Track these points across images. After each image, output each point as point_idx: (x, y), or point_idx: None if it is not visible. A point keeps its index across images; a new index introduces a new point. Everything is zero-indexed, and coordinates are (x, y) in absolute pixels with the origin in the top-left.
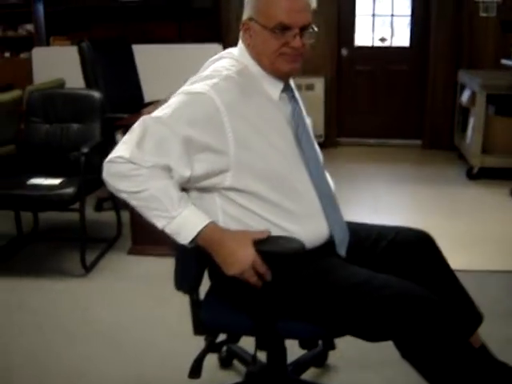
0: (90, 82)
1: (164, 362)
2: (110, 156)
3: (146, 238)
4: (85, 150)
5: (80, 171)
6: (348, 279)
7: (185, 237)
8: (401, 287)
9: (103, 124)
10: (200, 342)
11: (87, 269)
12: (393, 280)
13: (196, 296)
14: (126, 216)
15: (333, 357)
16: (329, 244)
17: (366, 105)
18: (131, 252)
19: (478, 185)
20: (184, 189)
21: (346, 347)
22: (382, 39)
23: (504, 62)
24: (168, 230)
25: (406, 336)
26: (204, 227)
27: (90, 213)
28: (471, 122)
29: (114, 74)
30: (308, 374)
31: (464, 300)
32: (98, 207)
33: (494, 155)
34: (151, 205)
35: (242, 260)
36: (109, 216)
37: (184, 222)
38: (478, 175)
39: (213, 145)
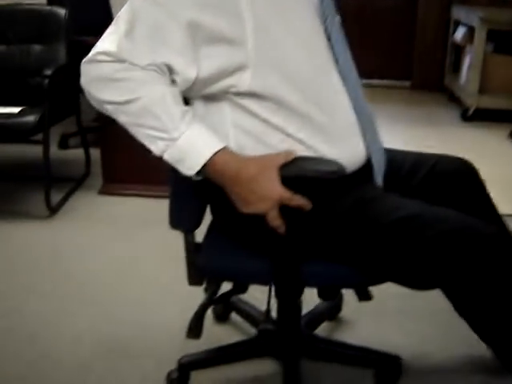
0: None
1: (140, 315)
2: (91, 53)
3: (120, 175)
4: (48, 72)
5: (43, 98)
6: (392, 212)
7: (190, 166)
8: (460, 222)
9: (69, 45)
10: (185, 292)
11: (53, 210)
12: (449, 213)
13: (191, 237)
14: (95, 154)
15: (346, 308)
16: (363, 170)
17: (352, 43)
18: (102, 191)
19: (474, 127)
20: (186, 102)
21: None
22: None
23: None
24: (167, 157)
25: (463, 283)
26: (216, 153)
27: (54, 151)
28: (467, 60)
29: None
30: (318, 329)
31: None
32: (63, 144)
33: (491, 95)
34: (145, 121)
35: (266, 196)
36: (76, 154)
37: (189, 146)
38: (474, 117)
39: (227, 33)
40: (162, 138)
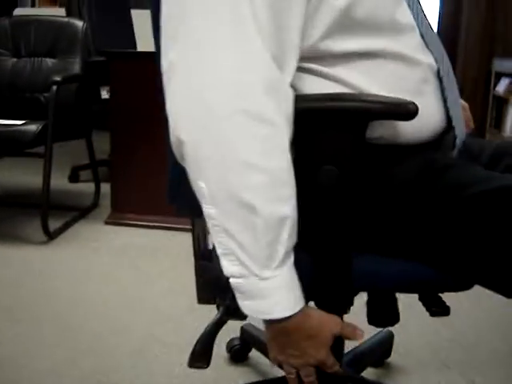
0: (71, 10)
1: (142, 350)
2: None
3: (129, 205)
4: (57, 78)
5: (48, 106)
6: (477, 184)
7: (253, 309)
8: None
9: (85, 60)
10: (194, 326)
11: (50, 235)
12: None
13: (203, 244)
14: (106, 188)
15: (396, 354)
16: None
17: None
18: (109, 221)
19: None
20: None
21: (417, 340)
22: None
23: None
24: (233, 283)
25: None
26: (290, 316)
27: (64, 183)
28: (511, 112)
29: (103, 4)
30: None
31: None
32: (74, 177)
33: None
34: (239, 236)
35: (306, 360)
36: (86, 187)
37: (268, 293)
38: None
39: None
40: (245, 266)
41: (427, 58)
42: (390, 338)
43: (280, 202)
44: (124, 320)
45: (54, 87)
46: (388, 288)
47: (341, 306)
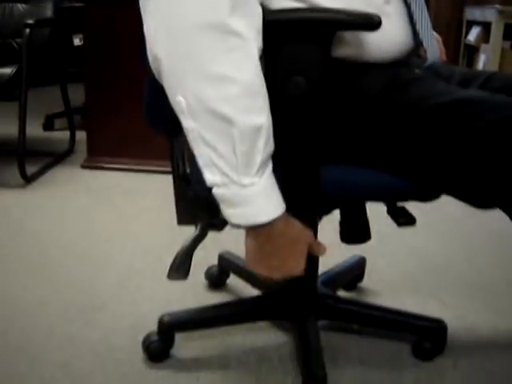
0: None
1: (123, 280)
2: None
3: (104, 149)
4: (30, 21)
5: (21, 49)
6: (435, 96)
7: (240, 216)
8: None
9: (57, 6)
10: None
11: (28, 179)
12: None
13: (182, 168)
14: (80, 135)
15: (367, 279)
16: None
17: None
18: (85, 165)
19: None
20: None
21: (388, 268)
22: None
23: None
24: (217, 193)
25: None
26: (273, 220)
27: (39, 131)
28: (481, 59)
29: None
30: None
31: None
32: (48, 125)
33: None
34: (219, 146)
35: (286, 271)
36: (60, 135)
37: (251, 199)
38: None
39: None
40: (225, 174)
41: None
42: (362, 262)
43: (254, 112)
44: (104, 254)
45: (27, 30)
46: (356, 195)
47: (314, 214)
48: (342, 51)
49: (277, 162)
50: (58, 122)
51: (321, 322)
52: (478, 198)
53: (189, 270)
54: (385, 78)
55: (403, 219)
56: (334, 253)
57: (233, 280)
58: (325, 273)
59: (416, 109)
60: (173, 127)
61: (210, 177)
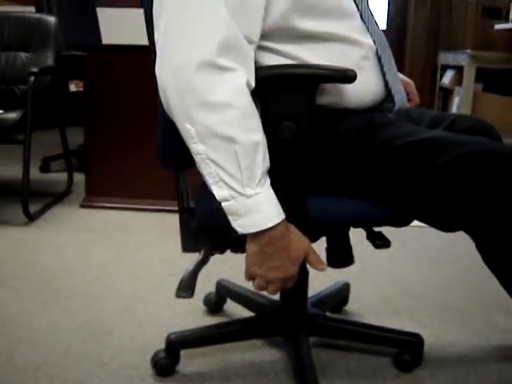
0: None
1: (129, 306)
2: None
3: (103, 188)
4: (34, 69)
5: (26, 95)
6: (403, 138)
7: (246, 224)
8: (480, 144)
9: (57, 54)
10: (174, 287)
11: (31, 217)
12: (470, 138)
13: (186, 201)
14: (76, 177)
15: (352, 303)
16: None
17: None
18: (84, 204)
19: None
20: None
21: (370, 292)
22: None
23: (498, 27)
24: (225, 206)
25: (487, 216)
26: (275, 225)
27: (36, 173)
28: (455, 101)
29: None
30: None
31: None
32: (45, 168)
33: None
34: (225, 165)
35: (282, 273)
36: (57, 176)
37: (255, 207)
38: None
39: None
40: (232, 188)
41: (367, 40)
42: (346, 287)
43: (252, 131)
44: (109, 284)
45: (32, 78)
46: (339, 223)
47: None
48: (324, 99)
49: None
50: (54, 165)
51: (311, 339)
52: (444, 223)
53: (194, 290)
54: (360, 121)
55: (380, 242)
56: (321, 279)
57: (229, 305)
58: (313, 296)
59: (386, 148)
60: (181, 163)
61: (218, 192)
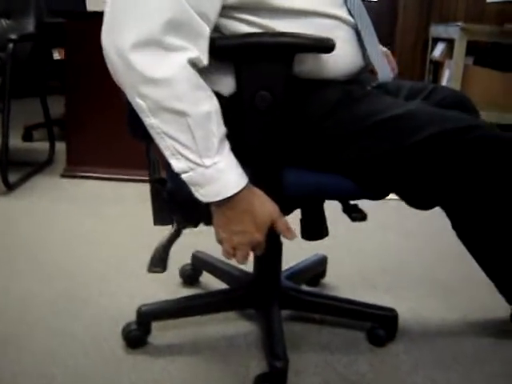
0: None
1: (106, 275)
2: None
3: (84, 158)
4: (13, 36)
5: (5, 62)
6: (380, 112)
7: (208, 194)
8: (456, 121)
9: (38, 21)
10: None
11: (10, 186)
12: (450, 114)
13: (157, 172)
14: (58, 146)
15: (329, 277)
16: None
17: None
18: (65, 174)
19: None
20: None
21: (348, 267)
22: None
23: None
24: (186, 177)
25: (462, 193)
26: (238, 191)
27: (18, 142)
28: (446, 74)
29: None
30: None
31: None
32: (27, 136)
33: None
34: (179, 137)
35: (246, 238)
36: (40, 146)
37: (216, 177)
38: None
39: None
40: (189, 160)
41: (342, 13)
42: (324, 260)
43: (201, 102)
44: (87, 254)
45: (11, 45)
46: (314, 196)
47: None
48: (302, 69)
49: (246, 162)
50: (36, 134)
51: (285, 312)
52: (421, 200)
53: (166, 264)
54: (338, 94)
55: (356, 214)
56: (298, 252)
57: (205, 277)
58: (288, 268)
59: (364, 123)
60: (150, 134)
61: (177, 164)
